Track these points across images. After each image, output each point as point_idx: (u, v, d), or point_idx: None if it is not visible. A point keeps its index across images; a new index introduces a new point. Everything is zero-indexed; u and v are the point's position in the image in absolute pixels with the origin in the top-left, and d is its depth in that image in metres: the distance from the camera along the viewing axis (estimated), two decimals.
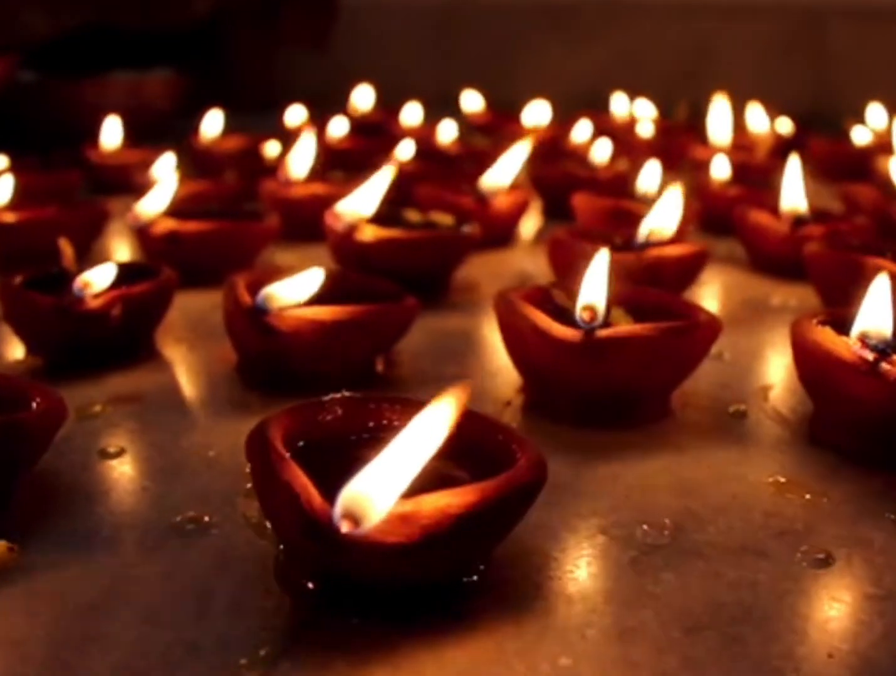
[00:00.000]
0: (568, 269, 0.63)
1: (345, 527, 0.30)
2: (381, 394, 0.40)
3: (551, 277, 0.65)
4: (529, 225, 0.89)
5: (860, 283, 0.47)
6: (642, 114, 1.32)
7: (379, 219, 0.66)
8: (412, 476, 0.31)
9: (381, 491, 0.30)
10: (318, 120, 1.20)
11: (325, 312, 0.49)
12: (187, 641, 0.31)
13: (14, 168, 0.88)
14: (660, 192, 0.78)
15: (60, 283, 0.53)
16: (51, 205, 0.73)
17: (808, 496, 0.41)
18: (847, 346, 0.44)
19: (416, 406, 0.37)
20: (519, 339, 0.49)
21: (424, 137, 1.12)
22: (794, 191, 0.74)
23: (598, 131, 1.10)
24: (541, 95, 1.30)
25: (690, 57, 1.58)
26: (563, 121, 1.23)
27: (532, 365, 0.49)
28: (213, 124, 1.11)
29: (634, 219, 0.66)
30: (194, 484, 0.41)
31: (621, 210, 0.76)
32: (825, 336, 0.45)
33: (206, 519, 0.38)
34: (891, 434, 0.43)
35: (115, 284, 0.53)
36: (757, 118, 1.22)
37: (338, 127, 1.15)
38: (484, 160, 0.83)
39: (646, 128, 1.21)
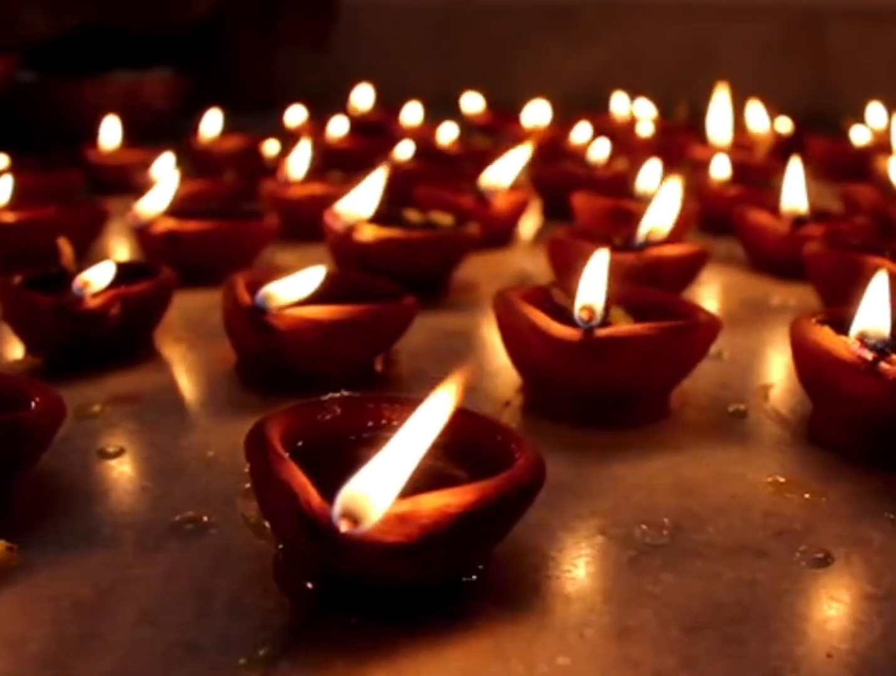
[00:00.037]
0: (567, 269, 0.63)
1: (343, 527, 0.30)
2: (379, 394, 0.40)
3: (551, 277, 0.65)
4: (529, 225, 0.89)
5: (859, 283, 0.47)
6: (642, 114, 1.32)
7: (378, 218, 0.66)
8: (409, 472, 0.31)
9: (379, 490, 0.30)
10: (318, 120, 1.20)
11: (323, 312, 0.49)
12: (186, 641, 0.31)
13: (14, 168, 0.88)
14: (659, 192, 0.78)
15: (60, 283, 0.53)
16: (50, 205, 0.73)
17: (807, 495, 0.41)
18: (846, 346, 0.44)
19: (414, 405, 0.37)
20: (518, 339, 0.49)
21: (424, 137, 1.12)
22: (795, 191, 0.73)
23: (598, 131, 1.10)
24: (541, 95, 1.30)
25: (690, 57, 1.58)
26: (563, 121, 1.23)
27: (531, 364, 0.49)
28: (212, 124, 1.11)
29: (634, 219, 0.66)
30: (193, 484, 0.41)
31: (621, 210, 0.76)
32: (824, 335, 0.45)
33: (205, 518, 0.38)
34: (890, 433, 0.43)
35: (115, 284, 0.53)
36: (757, 117, 1.22)
37: (337, 127, 1.15)
38: (484, 160, 0.83)
39: (645, 128, 1.21)
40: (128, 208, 0.71)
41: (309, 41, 1.58)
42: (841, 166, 1.09)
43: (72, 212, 0.74)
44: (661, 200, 0.65)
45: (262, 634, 0.32)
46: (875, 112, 1.23)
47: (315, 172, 0.85)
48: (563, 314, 0.49)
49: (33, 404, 0.40)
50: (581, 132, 1.13)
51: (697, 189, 0.90)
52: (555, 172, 0.96)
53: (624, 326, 0.47)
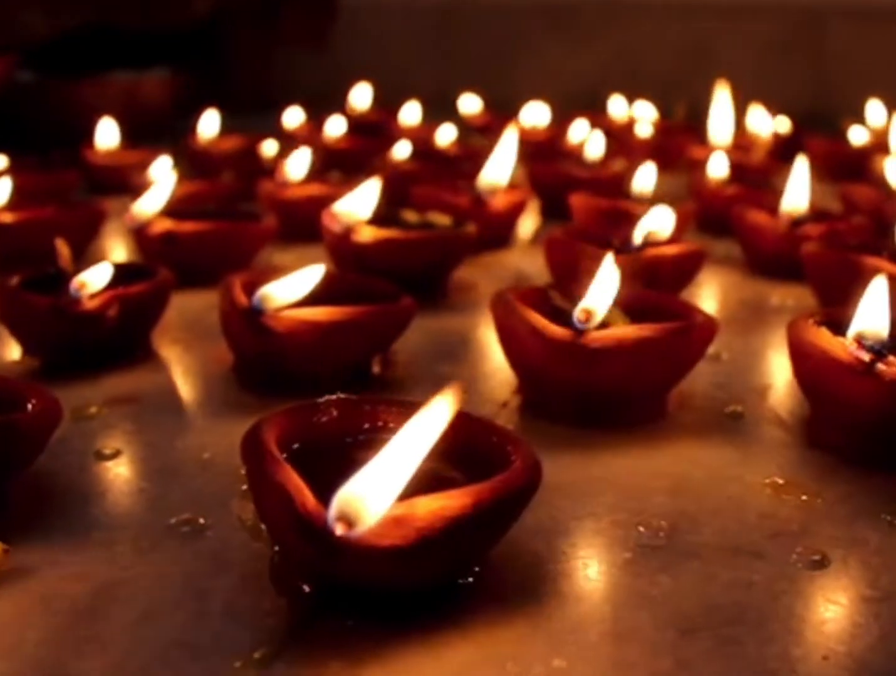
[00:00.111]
0: (565, 269, 0.63)
1: (339, 530, 0.30)
2: (376, 396, 0.40)
3: (548, 278, 0.65)
4: (527, 225, 0.89)
5: (857, 283, 0.47)
6: (640, 114, 1.31)
7: (376, 219, 0.66)
8: (407, 478, 0.31)
9: (375, 494, 0.30)
10: (318, 120, 1.20)
11: (321, 313, 0.49)
12: (182, 643, 0.31)
13: (12, 168, 0.88)
14: (656, 193, 0.78)
15: (57, 284, 0.53)
16: (48, 206, 0.73)
17: (804, 497, 0.41)
18: (843, 347, 0.44)
19: (411, 408, 0.37)
20: (515, 340, 0.49)
21: (422, 137, 1.12)
22: (797, 192, 0.73)
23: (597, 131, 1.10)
24: (540, 95, 1.30)
25: (689, 57, 1.58)
26: (562, 121, 1.23)
27: (528, 365, 0.49)
28: (209, 124, 1.11)
29: (632, 220, 0.66)
30: (190, 485, 0.41)
31: (619, 210, 0.76)
32: (821, 336, 0.45)
33: (202, 520, 0.38)
34: (887, 434, 0.43)
35: (112, 285, 0.53)
36: (756, 117, 1.22)
37: (335, 127, 1.15)
38: (481, 161, 0.83)
39: (644, 129, 1.21)
40: (125, 209, 0.71)
41: (308, 41, 1.58)
42: (840, 166, 1.08)
43: (69, 213, 0.74)
44: (660, 206, 0.65)
45: (258, 636, 0.31)
46: (874, 111, 1.23)
47: (313, 173, 0.85)
48: (560, 315, 0.48)
49: (29, 406, 0.40)
50: (579, 132, 1.13)
51: (696, 189, 0.90)
52: (552, 172, 0.96)
53: (620, 328, 0.47)
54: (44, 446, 0.40)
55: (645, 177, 0.80)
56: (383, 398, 0.40)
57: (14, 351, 0.55)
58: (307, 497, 0.31)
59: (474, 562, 0.35)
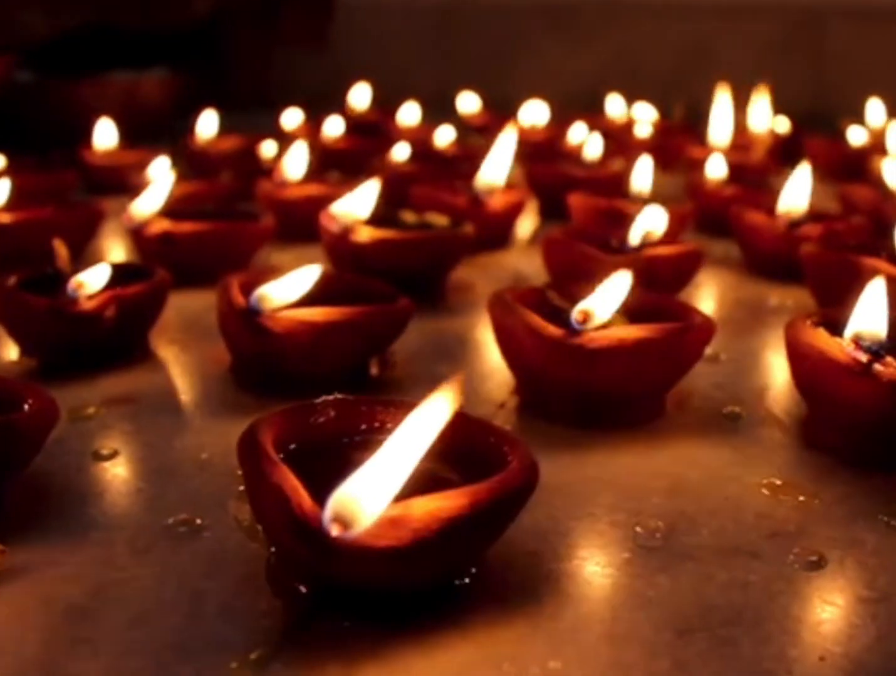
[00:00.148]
0: (563, 270, 0.63)
1: (335, 531, 0.30)
2: (373, 397, 0.40)
3: (546, 278, 0.65)
4: (525, 225, 0.89)
5: (856, 284, 0.47)
6: (639, 115, 1.31)
7: (374, 219, 0.66)
8: (403, 480, 0.31)
9: (371, 495, 0.30)
10: (317, 120, 1.20)
11: (318, 313, 0.49)
12: (178, 643, 0.31)
13: (11, 168, 0.88)
14: (654, 193, 0.78)
15: (55, 284, 0.53)
16: (46, 206, 0.73)
17: (801, 497, 0.41)
18: (840, 348, 0.44)
19: (408, 408, 0.37)
20: (513, 340, 0.49)
21: (421, 138, 1.12)
22: (796, 194, 0.73)
23: (595, 131, 1.10)
24: (540, 95, 1.30)
25: (689, 57, 1.58)
26: (561, 121, 1.23)
27: (526, 366, 0.49)
28: (207, 124, 1.11)
29: (630, 220, 0.66)
30: (187, 486, 0.41)
31: (617, 210, 0.76)
32: (819, 337, 0.45)
33: (199, 521, 0.38)
34: (885, 435, 0.43)
35: (110, 285, 0.53)
36: (756, 116, 1.22)
37: (334, 126, 1.15)
38: (480, 161, 0.83)
39: (643, 129, 1.21)
40: (124, 209, 0.71)
41: (308, 41, 1.58)
42: (839, 167, 1.08)
43: (67, 213, 0.74)
44: (656, 206, 0.65)
45: (255, 637, 0.31)
46: (874, 111, 1.23)
47: (312, 173, 0.85)
48: (558, 315, 0.48)
49: (26, 406, 0.39)
50: (577, 132, 1.13)
51: (694, 189, 0.90)
52: (551, 172, 0.96)
53: (618, 328, 0.47)
54: (41, 446, 0.40)
55: (643, 175, 0.80)
56: (380, 398, 0.40)
57: (12, 352, 0.55)
58: (303, 497, 0.31)
59: (471, 563, 0.35)
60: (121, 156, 1.03)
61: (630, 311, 0.50)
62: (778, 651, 0.31)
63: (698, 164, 0.96)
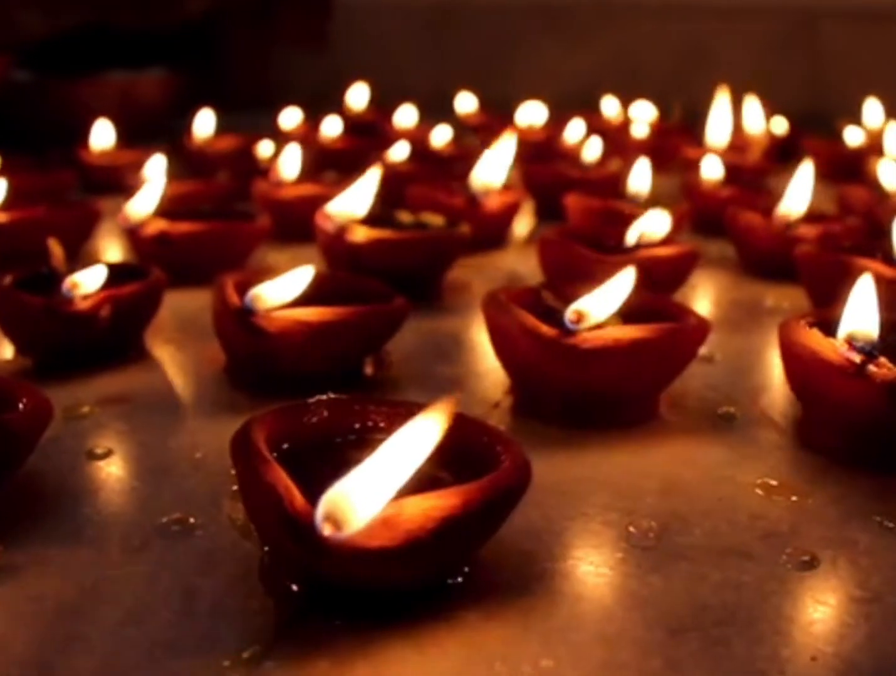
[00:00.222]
0: (558, 270, 0.63)
1: (327, 530, 0.30)
2: (366, 396, 0.40)
3: (542, 278, 0.65)
4: (522, 225, 0.89)
5: (851, 285, 0.47)
6: (636, 115, 1.32)
7: (370, 219, 0.66)
8: (397, 487, 0.31)
9: (364, 496, 0.30)
10: (315, 120, 1.20)
11: (313, 313, 0.49)
12: (171, 641, 0.31)
13: (8, 167, 0.88)
14: (651, 193, 0.78)
15: (50, 284, 0.53)
16: (41, 205, 0.73)
17: (794, 498, 0.41)
18: (834, 348, 0.44)
19: (401, 408, 0.38)
20: (507, 340, 0.49)
21: (418, 138, 1.12)
22: (797, 197, 0.73)
23: (592, 131, 1.10)
24: (537, 95, 1.30)
25: (686, 57, 1.58)
26: (558, 121, 1.23)
27: (520, 366, 0.49)
28: (204, 124, 1.11)
29: (626, 220, 0.66)
30: (181, 485, 0.41)
31: (613, 210, 0.76)
32: (812, 338, 0.45)
33: (192, 520, 0.38)
34: (878, 435, 0.43)
35: (105, 285, 0.53)
36: (753, 117, 1.22)
37: (332, 126, 1.15)
38: (476, 161, 0.83)
39: (640, 129, 1.21)
40: (120, 209, 0.71)
41: (305, 41, 1.58)
42: (836, 167, 1.08)
43: (63, 213, 0.74)
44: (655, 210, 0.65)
45: (247, 635, 0.32)
46: (871, 111, 1.23)
47: (309, 173, 0.85)
48: (553, 316, 0.48)
49: (20, 405, 0.39)
50: (574, 132, 1.13)
51: (690, 190, 0.90)
52: (547, 173, 0.96)
53: (612, 328, 0.47)
54: (34, 445, 0.40)
55: (639, 176, 0.80)
56: (374, 398, 0.40)
57: (7, 351, 0.55)
58: (296, 497, 0.31)
59: (464, 562, 0.35)
60: (118, 155, 1.03)
61: (625, 312, 0.50)
62: (770, 651, 0.32)
63: (694, 165, 0.96)
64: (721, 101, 1.15)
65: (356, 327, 0.50)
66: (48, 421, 0.40)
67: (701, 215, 0.84)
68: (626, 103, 1.36)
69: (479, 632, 0.32)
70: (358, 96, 1.35)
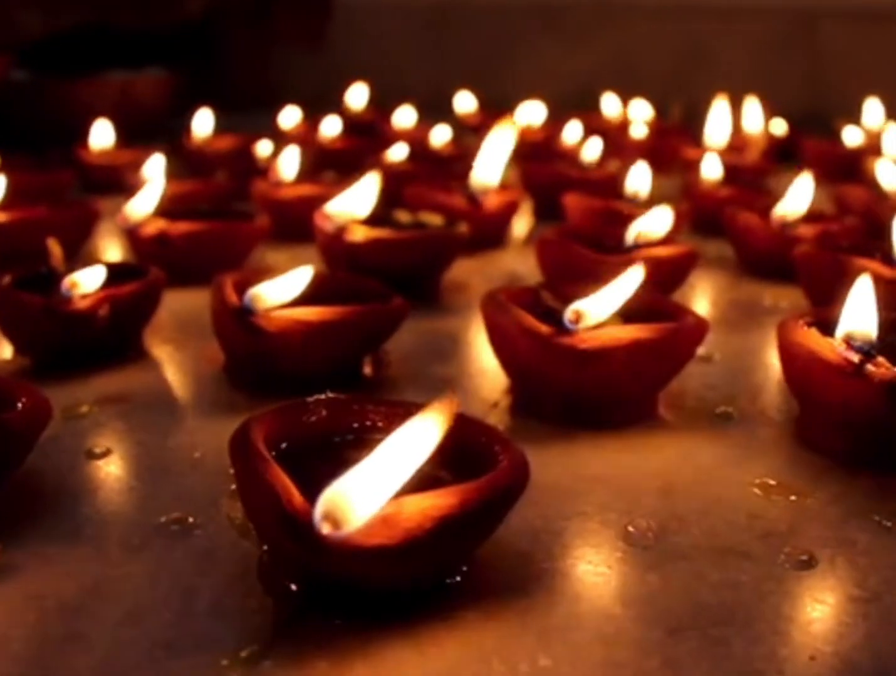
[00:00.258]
0: (556, 270, 0.63)
1: (325, 529, 0.30)
2: (365, 396, 0.40)
3: (540, 278, 0.65)
4: (520, 225, 0.89)
5: (849, 285, 0.47)
6: (635, 115, 1.32)
7: (369, 219, 0.66)
8: (396, 487, 0.31)
9: (362, 495, 0.30)
10: (314, 120, 1.20)
11: (312, 313, 0.49)
12: (169, 641, 0.31)
13: (7, 167, 0.88)
14: (650, 193, 0.78)
15: (49, 283, 0.53)
16: (40, 205, 0.73)
17: (793, 497, 0.41)
18: (832, 348, 0.44)
19: (400, 408, 0.38)
20: (506, 340, 0.49)
21: (417, 138, 1.12)
22: (796, 199, 0.73)
23: (591, 132, 1.10)
24: (536, 95, 1.30)
25: (685, 57, 1.58)
26: (557, 121, 1.23)
27: (518, 365, 0.49)
28: (203, 123, 1.11)
29: (625, 220, 0.66)
30: (180, 484, 0.41)
31: (612, 210, 0.76)
32: (810, 337, 0.45)
33: (191, 519, 0.38)
34: (876, 435, 0.43)
35: (104, 285, 0.53)
36: (752, 117, 1.22)
37: (331, 126, 1.15)
38: (475, 161, 0.83)
39: (639, 129, 1.21)
40: (119, 208, 0.71)
41: (304, 40, 1.58)
42: (834, 167, 1.09)
43: (62, 213, 0.74)
44: (655, 210, 0.65)
45: (246, 634, 0.32)
46: (871, 111, 1.23)
47: (308, 173, 0.85)
48: (551, 315, 0.49)
49: (19, 405, 0.39)
50: (573, 132, 1.13)
51: (689, 190, 0.90)
52: (546, 172, 0.96)
53: (611, 328, 0.47)
54: (33, 445, 0.40)
55: (638, 178, 0.80)
56: (372, 398, 0.40)
57: (6, 350, 0.55)
58: (294, 496, 0.31)
59: (462, 561, 0.35)
60: (117, 155, 1.03)
61: (623, 311, 0.50)
62: (769, 650, 0.32)
63: (693, 165, 0.96)
64: (720, 107, 1.15)
65: (355, 327, 0.50)
66: (47, 421, 0.40)
67: (700, 215, 0.84)
68: (625, 103, 1.36)
69: (478, 632, 0.32)
70: (357, 96, 1.35)
